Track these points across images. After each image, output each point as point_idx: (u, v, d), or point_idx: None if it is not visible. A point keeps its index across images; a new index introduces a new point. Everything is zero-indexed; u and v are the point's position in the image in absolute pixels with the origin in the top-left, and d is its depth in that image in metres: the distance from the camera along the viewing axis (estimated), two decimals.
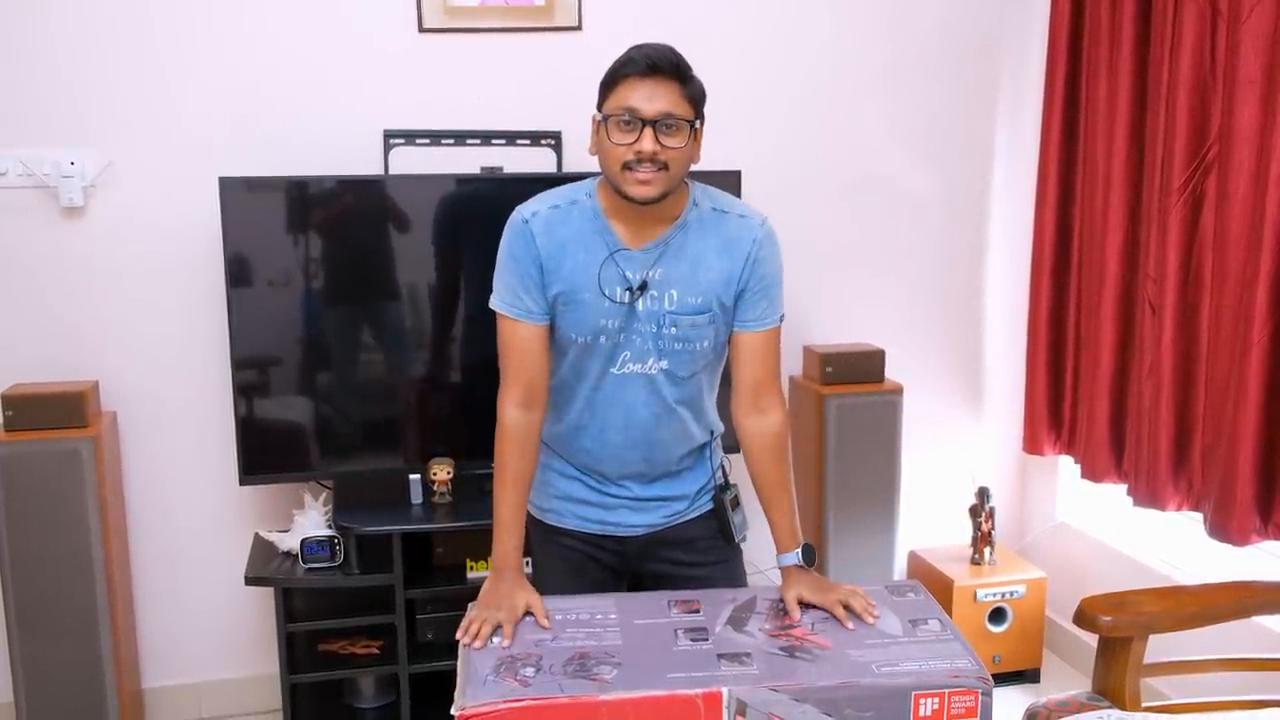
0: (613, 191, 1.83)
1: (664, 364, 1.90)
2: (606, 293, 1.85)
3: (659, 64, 1.77)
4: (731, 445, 2.10)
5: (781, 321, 1.96)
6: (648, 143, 1.76)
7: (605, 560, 2.06)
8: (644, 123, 1.76)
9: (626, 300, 1.86)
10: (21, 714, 2.66)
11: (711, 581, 2.01)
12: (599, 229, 1.87)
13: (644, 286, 1.86)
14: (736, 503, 2.08)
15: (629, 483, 2.01)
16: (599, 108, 1.83)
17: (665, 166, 1.78)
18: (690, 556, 2.05)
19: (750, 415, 1.97)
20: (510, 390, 1.91)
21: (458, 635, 1.73)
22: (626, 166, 1.78)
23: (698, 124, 1.83)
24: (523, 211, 1.90)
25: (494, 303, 1.92)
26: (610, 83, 1.81)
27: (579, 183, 1.94)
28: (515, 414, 1.91)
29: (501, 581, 1.83)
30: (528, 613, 1.76)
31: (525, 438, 1.91)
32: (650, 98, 1.76)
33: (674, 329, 1.87)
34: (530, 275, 1.87)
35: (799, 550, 1.91)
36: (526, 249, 1.87)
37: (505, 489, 1.91)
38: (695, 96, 1.81)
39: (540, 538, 2.11)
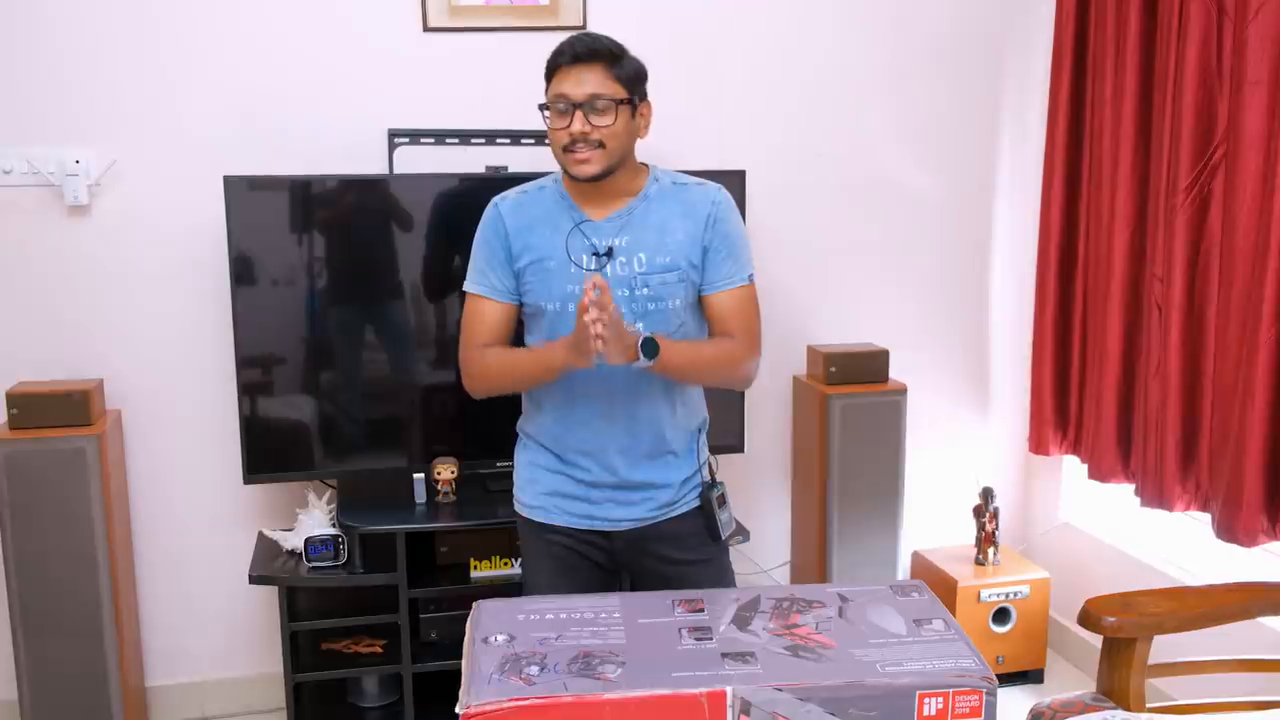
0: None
1: (639, 326, 1.96)
2: (574, 259, 1.96)
3: (582, 53, 1.92)
4: (717, 446, 2.11)
5: (752, 281, 2.05)
6: (578, 124, 1.91)
7: (594, 557, 2.09)
8: (574, 106, 1.91)
9: (594, 267, 1.96)
10: (25, 712, 2.66)
11: (698, 579, 2.04)
12: (565, 206, 2.01)
13: (610, 252, 1.96)
14: (723, 501, 2.12)
15: (615, 463, 2.03)
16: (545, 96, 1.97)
17: (601, 144, 1.92)
18: (678, 553, 2.08)
19: None
20: (467, 349, 2.03)
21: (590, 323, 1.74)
22: (566, 149, 1.93)
23: (635, 100, 1.96)
24: (495, 199, 2.06)
25: (465, 285, 2.06)
26: (548, 74, 1.97)
27: (547, 175, 2.09)
28: (475, 351, 2.02)
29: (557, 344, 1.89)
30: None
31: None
32: (578, 83, 1.91)
33: (646, 289, 1.97)
34: (496, 254, 2.01)
35: (651, 358, 1.85)
36: (495, 230, 2.03)
37: (503, 354, 2.01)
38: (626, 76, 1.95)
39: (528, 535, 2.13)
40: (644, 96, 2.00)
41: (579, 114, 1.90)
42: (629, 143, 1.98)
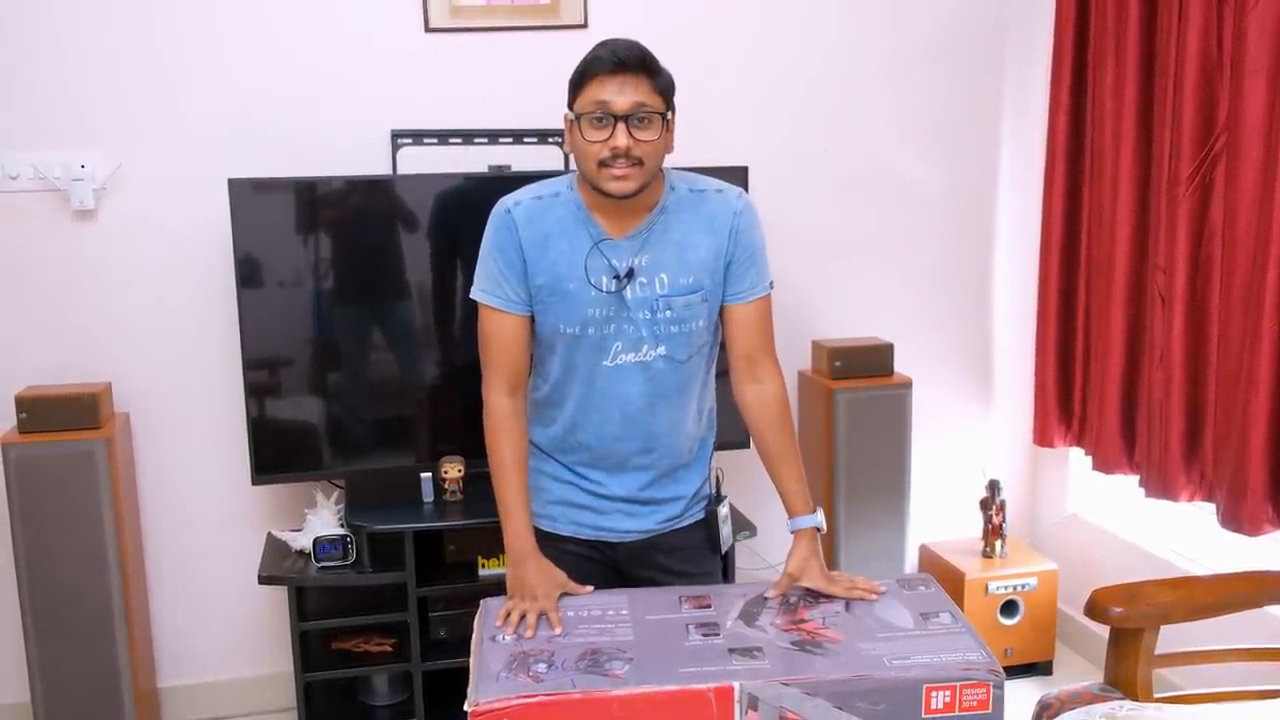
0: (591, 186, 1.85)
1: (661, 349, 1.90)
2: (593, 281, 1.86)
3: (626, 59, 1.77)
4: (725, 442, 2.12)
5: (771, 289, 1.97)
6: (622, 138, 1.77)
7: (597, 562, 2.05)
8: (616, 118, 1.77)
9: (614, 289, 1.87)
10: (38, 714, 2.68)
11: None
12: (581, 220, 1.89)
13: (631, 274, 1.87)
14: (727, 517, 2.10)
15: (627, 480, 1.99)
16: (570, 106, 1.84)
17: (640, 161, 1.79)
18: (678, 565, 2.04)
19: (748, 385, 1.98)
20: (494, 379, 1.94)
21: (499, 624, 1.72)
22: (602, 164, 1.79)
23: (669, 115, 1.84)
24: (505, 202, 1.93)
25: (475, 293, 1.94)
26: (579, 81, 1.81)
27: (559, 176, 1.96)
28: (503, 401, 1.93)
29: (526, 568, 1.85)
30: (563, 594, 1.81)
31: (515, 422, 1.95)
32: (620, 92, 1.77)
33: (669, 311, 1.88)
34: (513, 264, 1.89)
35: (815, 514, 1.92)
36: (510, 238, 1.89)
37: (506, 474, 1.93)
38: (664, 88, 1.83)
39: None
40: (674, 110, 1.86)
41: (622, 127, 1.76)
42: (663, 158, 1.86)
